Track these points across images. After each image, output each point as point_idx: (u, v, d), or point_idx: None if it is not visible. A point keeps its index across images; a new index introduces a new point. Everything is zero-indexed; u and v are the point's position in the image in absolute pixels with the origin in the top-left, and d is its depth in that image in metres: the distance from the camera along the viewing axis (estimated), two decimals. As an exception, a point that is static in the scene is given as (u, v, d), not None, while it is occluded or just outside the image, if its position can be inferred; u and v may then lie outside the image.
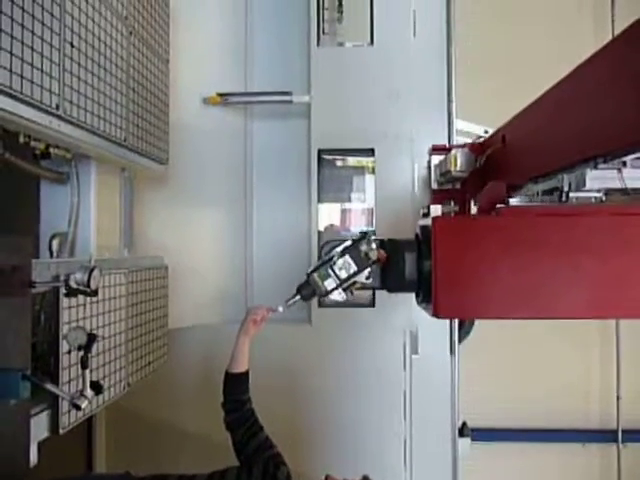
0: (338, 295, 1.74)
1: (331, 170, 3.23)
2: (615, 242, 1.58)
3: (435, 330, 2.99)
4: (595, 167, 1.47)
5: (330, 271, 1.73)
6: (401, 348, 2.98)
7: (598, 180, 1.53)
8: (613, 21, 4.99)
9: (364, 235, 1.76)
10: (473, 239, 1.65)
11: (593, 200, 1.61)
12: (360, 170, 3.25)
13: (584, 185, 1.54)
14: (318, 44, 3.07)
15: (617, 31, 1.22)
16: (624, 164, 1.52)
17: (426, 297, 1.70)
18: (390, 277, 1.76)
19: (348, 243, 1.74)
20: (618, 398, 5.18)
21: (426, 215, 1.77)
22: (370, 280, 1.75)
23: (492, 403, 5.07)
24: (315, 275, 1.73)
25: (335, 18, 3.13)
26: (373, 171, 3.10)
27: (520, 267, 1.60)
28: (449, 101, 3.07)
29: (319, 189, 3.08)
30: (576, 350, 5.18)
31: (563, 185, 1.64)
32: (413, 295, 3.00)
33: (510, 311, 1.71)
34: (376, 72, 3.03)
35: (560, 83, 1.57)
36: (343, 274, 1.73)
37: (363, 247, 1.72)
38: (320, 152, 3.06)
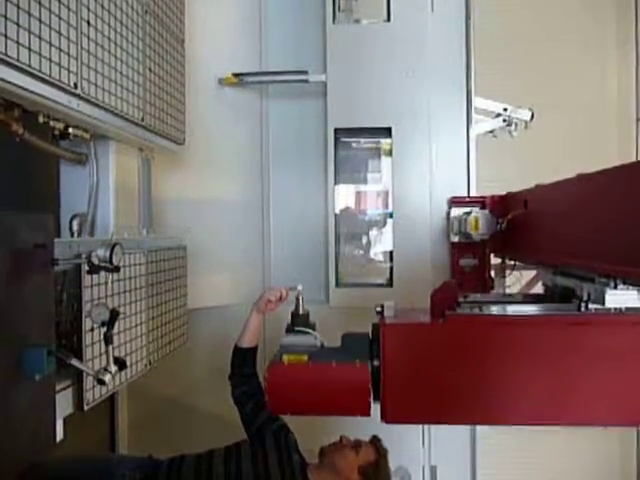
0: None
1: (348, 151, 3.20)
2: (556, 351, 1.63)
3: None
4: (615, 287, 1.55)
5: None
6: (419, 328, 2.97)
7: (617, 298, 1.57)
8: (637, 2, 4.82)
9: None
10: (421, 347, 1.71)
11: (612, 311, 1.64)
12: (376, 151, 3.23)
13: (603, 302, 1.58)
14: (334, 21, 3.03)
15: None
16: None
17: (377, 395, 1.75)
18: None
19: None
20: None
21: (379, 313, 1.86)
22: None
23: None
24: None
25: (351, -6, 3.08)
26: (390, 153, 3.07)
27: (466, 375, 1.66)
28: (468, 78, 3.01)
29: (336, 170, 3.06)
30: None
31: (582, 294, 1.69)
32: (430, 276, 3.01)
33: (458, 419, 1.81)
34: (393, 49, 2.98)
35: (583, 179, 1.66)
36: None
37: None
38: (336, 131, 3.03)
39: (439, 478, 3.06)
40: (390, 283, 3.01)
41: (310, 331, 1.89)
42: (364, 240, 3.21)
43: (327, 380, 1.73)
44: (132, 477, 1.75)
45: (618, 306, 1.60)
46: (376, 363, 1.73)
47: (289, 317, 1.97)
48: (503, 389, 1.64)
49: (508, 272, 2.78)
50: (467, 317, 1.79)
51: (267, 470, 1.75)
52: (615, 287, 1.54)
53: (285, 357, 1.77)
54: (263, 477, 1.74)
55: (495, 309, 1.86)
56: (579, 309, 1.70)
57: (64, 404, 1.69)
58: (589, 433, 5.08)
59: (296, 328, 1.91)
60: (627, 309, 1.61)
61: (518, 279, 2.75)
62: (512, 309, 1.87)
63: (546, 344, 1.62)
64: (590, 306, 1.66)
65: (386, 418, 1.72)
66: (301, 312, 1.96)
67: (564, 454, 4.88)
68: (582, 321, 1.65)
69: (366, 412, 1.70)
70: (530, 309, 1.84)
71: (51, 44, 1.55)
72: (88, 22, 1.76)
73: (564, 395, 1.61)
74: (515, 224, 2.30)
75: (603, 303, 1.56)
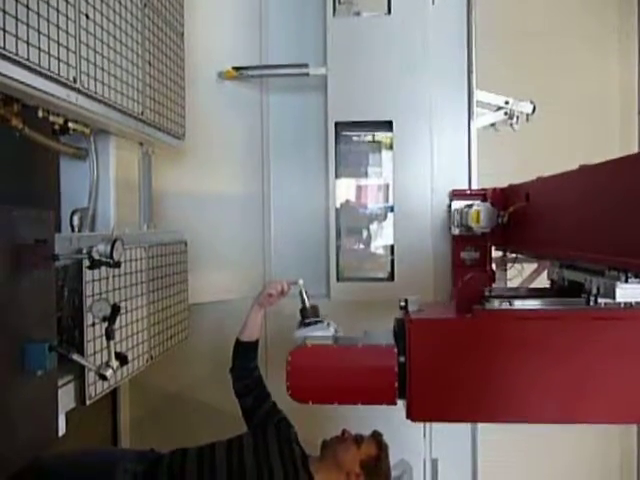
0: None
1: (348, 145, 3.19)
2: (590, 347, 1.58)
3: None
4: (626, 280, 1.46)
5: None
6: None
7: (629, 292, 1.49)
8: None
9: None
10: (448, 342, 1.66)
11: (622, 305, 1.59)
12: (377, 145, 3.21)
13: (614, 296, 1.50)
14: (334, 14, 3.01)
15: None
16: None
17: (402, 393, 1.70)
18: None
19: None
20: None
21: (403, 308, 1.83)
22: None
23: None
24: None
25: (351, -13, 3.05)
26: (390, 147, 3.05)
27: (495, 371, 1.61)
28: (469, 71, 2.99)
29: (337, 164, 3.04)
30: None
31: (591, 288, 1.62)
32: (431, 269, 3.01)
33: (486, 417, 1.75)
34: (394, 42, 2.96)
35: (586, 170, 1.63)
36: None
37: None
38: (337, 125, 3.02)
39: (440, 471, 3.07)
40: (391, 277, 3.01)
41: (323, 319, 1.87)
42: (365, 234, 3.20)
43: (352, 363, 1.68)
44: (134, 469, 1.75)
45: (628, 300, 1.54)
46: (402, 359, 1.67)
47: (291, 312, 1.96)
48: (534, 386, 1.58)
49: (509, 265, 2.78)
50: (496, 312, 1.70)
51: (269, 462, 1.76)
52: (626, 280, 1.47)
53: (309, 341, 1.73)
54: (266, 469, 1.75)
55: (527, 304, 1.75)
56: (588, 303, 1.65)
57: (66, 399, 1.69)
58: (590, 430, 5.08)
59: (306, 320, 1.89)
60: (637, 303, 1.56)
61: (520, 272, 2.75)
62: (541, 303, 1.78)
63: (579, 339, 1.57)
64: (599, 300, 1.61)
65: (412, 415, 1.65)
66: (309, 305, 1.94)
67: (564, 449, 4.89)
68: (620, 316, 1.60)
69: (392, 399, 1.64)
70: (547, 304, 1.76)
71: (50, 38, 1.54)
72: (87, 15, 1.74)
73: (595, 391, 1.56)
74: (517, 217, 2.29)
75: (613, 297, 1.50)
